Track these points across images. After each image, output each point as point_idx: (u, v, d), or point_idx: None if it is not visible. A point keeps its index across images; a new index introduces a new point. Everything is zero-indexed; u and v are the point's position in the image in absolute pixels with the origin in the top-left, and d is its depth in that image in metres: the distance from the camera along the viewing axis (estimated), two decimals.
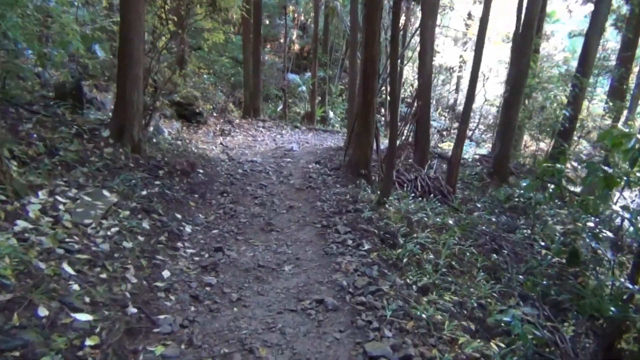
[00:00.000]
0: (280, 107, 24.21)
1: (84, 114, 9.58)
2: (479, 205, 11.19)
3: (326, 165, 11.06)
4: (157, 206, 6.65)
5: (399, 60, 8.62)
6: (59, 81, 10.89)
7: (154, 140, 10.58)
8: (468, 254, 7.47)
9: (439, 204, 10.49)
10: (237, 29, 28.29)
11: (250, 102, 20.42)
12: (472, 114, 41.42)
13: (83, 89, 10.58)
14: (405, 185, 11.26)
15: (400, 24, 7.27)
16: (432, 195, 11.02)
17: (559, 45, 31.76)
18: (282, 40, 29.98)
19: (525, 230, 10.11)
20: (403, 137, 13.66)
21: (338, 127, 23.86)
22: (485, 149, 29.63)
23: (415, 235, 7.11)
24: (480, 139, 31.15)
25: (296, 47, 33.48)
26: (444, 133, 32.24)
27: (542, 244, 9.40)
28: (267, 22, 29.16)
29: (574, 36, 28.96)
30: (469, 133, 36.03)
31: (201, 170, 9.49)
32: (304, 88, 23.05)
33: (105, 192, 6.13)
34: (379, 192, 8.60)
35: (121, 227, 5.54)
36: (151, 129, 12.53)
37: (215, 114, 19.34)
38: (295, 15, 31.74)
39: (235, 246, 6.07)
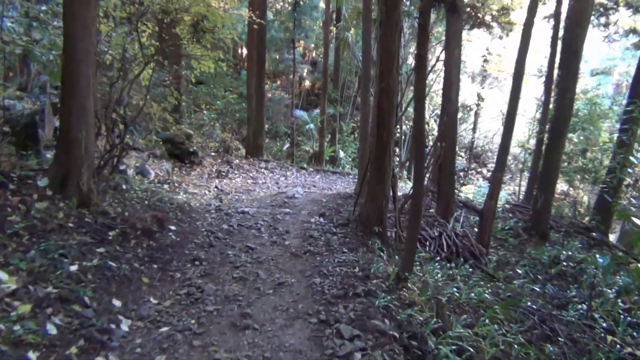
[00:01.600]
0: (287, 145, 22.47)
1: (32, 155, 7.77)
2: (519, 271, 9.10)
3: (332, 220, 9.08)
4: (86, 290, 4.70)
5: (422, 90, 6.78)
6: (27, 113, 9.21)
7: (123, 186, 8.71)
8: (516, 346, 5.44)
9: (470, 269, 8.47)
10: (242, 63, 26.93)
11: (253, 140, 18.69)
12: (491, 154, 39.37)
13: (38, 123, 8.83)
14: (428, 243, 9.23)
15: (425, 44, 5.41)
16: (461, 257, 8.98)
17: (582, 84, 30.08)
18: (290, 76, 28.58)
19: (580, 306, 8.04)
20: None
21: (349, 168, 22.00)
22: (506, 191, 27.59)
23: (448, 330, 5.10)
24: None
25: (306, 83, 32.04)
26: (462, 174, 30.37)
27: (604, 325, 7.34)
28: (277, 56, 27.76)
29: (597, 74, 27.39)
30: (488, 174, 33.98)
31: (173, 228, 7.54)
32: (312, 126, 21.33)
33: (1, 275, 4.20)
34: (397, 263, 6.62)
35: (4, 337, 3.59)
36: (123, 173, 10.76)
37: (213, 153, 17.58)
38: (305, 49, 30.40)
39: None
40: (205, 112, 19.58)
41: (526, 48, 9.27)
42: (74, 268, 4.98)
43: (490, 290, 7.68)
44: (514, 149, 30.12)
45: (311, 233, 8.10)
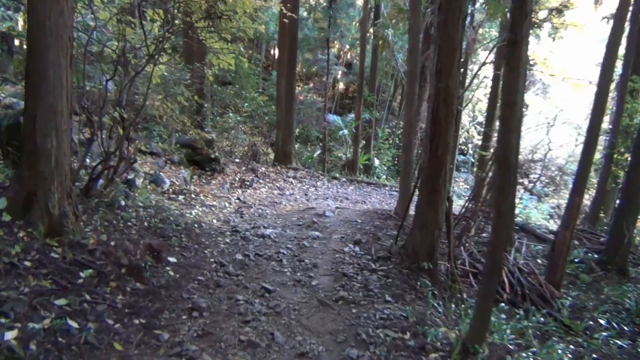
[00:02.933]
0: (319, 152, 20.91)
1: (9, 165, 6.40)
2: (600, 321, 7.31)
3: (369, 249, 7.45)
4: None
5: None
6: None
7: (122, 203, 7.27)
8: None
9: (542, 318, 6.76)
10: (274, 64, 25.55)
11: (281, 146, 17.22)
12: (533, 164, 37.09)
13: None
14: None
15: (522, 25, 3.78)
16: (528, 301, 7.26)
17: None
18: (324, 78, 27.05)
19: None
20: (470, 203, 9.98)
21: (384, 178, 20.31)
22: (548, 204, 25.45)
23: None
24: (542, 192, 27.11)
25: (340, 85, 30.53)
26: None
27: None
28: (309, 57, 26.29)
29: None
30: (530, 185, 31.69)
31: (173, 259, 6.03)
32: (346, 132, 19.70)
33: None
34: (454, 311, 4.99)
35: None
36: (130, 183, 9.38)
37: (237, 160, 16.15)
38: (340, 50, 28.86)
39: None
40: (231, 114, 18.18)
41: (615, 50, 7.50)
42: (11, 335, 3.50)
43: (570, 351, 6.01)
44: (559, 160, 28.15)
45: (344, 269, 6.49)
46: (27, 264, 4.40)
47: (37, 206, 4.83)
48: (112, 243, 5.55)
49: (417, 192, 7.31)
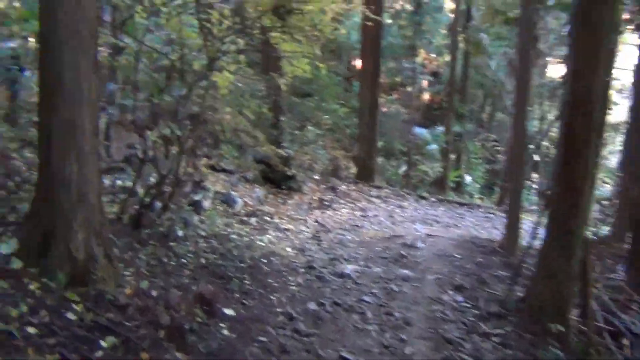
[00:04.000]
0: (404, 167, 19.41)
1: None
2: None
3: (476, 299, 5.93)
4: None
5: None
6: None
7: (179, 233, 6.22)
8: None
9: None
10: (355, 75, 24.40)
11: (364, 162, 15.95)
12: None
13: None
14: (627, 342, 5.73)
15: None
16: None
17: None
18: (409, 88, 25.50)
19: None
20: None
21: (477, 197, 18.43)
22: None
23: None
24: None
25: (426, 96, 28.82)
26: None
27: None
28: (393, 66, 24.85)
29: None
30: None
31: (230, 312, 4.79)
32: (434, 146, 18.09)
33: None
34: None
35: None
36: (196, 205, 8.43)
37: (316, 177, 15.00)
38: (426, 58, 27.21)
39: None
40: (310, 128, 17.12)
41: None
42: None
43: None
44: None
45: (446, 330, 5.02)
46: (31, 330, 3.32)
47: (55, 249, 3.79)
48: (154, 292, 4.42)
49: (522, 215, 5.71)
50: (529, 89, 8.07)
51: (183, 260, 5.54)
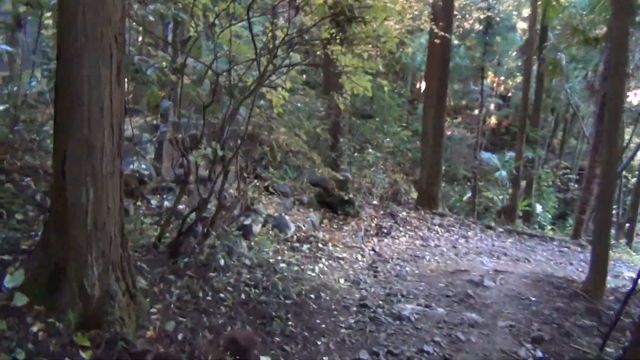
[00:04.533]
0: (469, 194, 18.36)
1: None
2: None
3: (559, 356, 5.01)
4: None
5: None
6: None
7: (221, 262, 5.66)
8: None
9: None
10: (419, 98, 23.64)
11: (426, 187, 15.08)
12: None
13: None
14: None
15: None
16: None
17: None
18: (476, 111, 24.45)
19: None
20: None
21: (548, 228, 17.09)
22: None
23: None
24: None
25: (492, 120, 27.61)
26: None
27: None
28: (460, 88, 23.95)
29: None
30: None
31: None
32: (503, 173, 16.97)
33: None
34: None
35: None
36: (246, 229, 7.95)
37: (375, 202, 14.27)
38: (494, 80, 26.08)
39: None
40: (371, 150, 16.47)
41: None
42: None
43: None
44: None
45: None
46: None
47: (66, 285, 3.29)
48: (180, 336, 3.84)
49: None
50: (620, 114, 7.07)
51: (221, 295, 4.95)
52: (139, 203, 7.65)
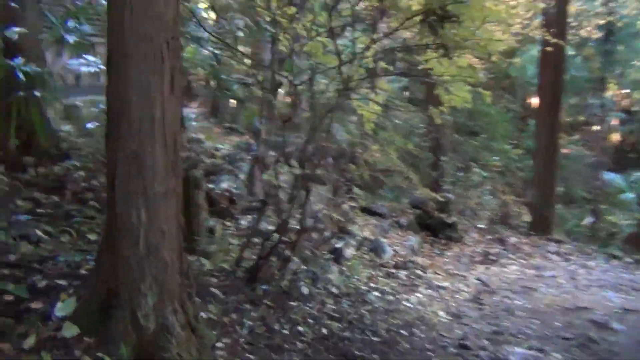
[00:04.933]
0: (589, 218, 16.75)
1: None
2: None
3: None
4: None
5: None
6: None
7: (303, 290, 5.22)
8: None
9: None
10: (530, 115, 22.18)
11: (539, 210, 13.90)
12: None
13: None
14: None
15: None
16: None
17: None
18: (596, 127, 22.47)
19: None
20: None
21: None
22: None
23: None
24: None
25: (615, 136, 25.22)
26: None
27: None
28: (576, 102, 22.16)
29: None
30: None
31: None
32: (630, 195, 15.34)
33: None
34: None
35: None
36: (336, 254, 7.52)
37: (481, 226, 13.30)
38: (617, 93, 23.89)
39: None
40: (476, 169, 15.55)
41: None
42: None
43: None
44: None
45: None
46: None
47: (118, 314, 2.97)
48: None
49: None
50: None
51: (299, 328, 4.48)
52: (228, 223, 7.50)
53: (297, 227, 8.00)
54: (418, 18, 4.33)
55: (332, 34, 4.56)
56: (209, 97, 13.61)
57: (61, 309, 3.06)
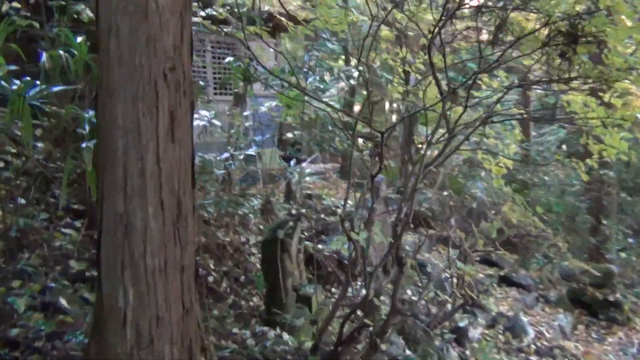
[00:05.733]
0: None
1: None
2: None
3: None
4: None
5: None
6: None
7: None
8: None
9: None
10: None
11: None
12: None
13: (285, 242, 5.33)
14: None
15: None
16: None
17: None
18: None
19: None
20: None
21: None
22: None
23: None
24: None
25: None
26: None
27: None
28: None
29: None
30: None
31: None
32: None
33: None
34: None
35: None
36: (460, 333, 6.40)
37: None
38: None
39: None
40: None
41: None
42: None
43: None
44: None
45: None
46: None
47: None
48: None
49: None
50: None
51: None
52: (333, 290, 6.78)
53: (414, 298, 7.06)
54: (538, 40, 3.25)
55: (430, 60, 3.64)
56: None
57: None
